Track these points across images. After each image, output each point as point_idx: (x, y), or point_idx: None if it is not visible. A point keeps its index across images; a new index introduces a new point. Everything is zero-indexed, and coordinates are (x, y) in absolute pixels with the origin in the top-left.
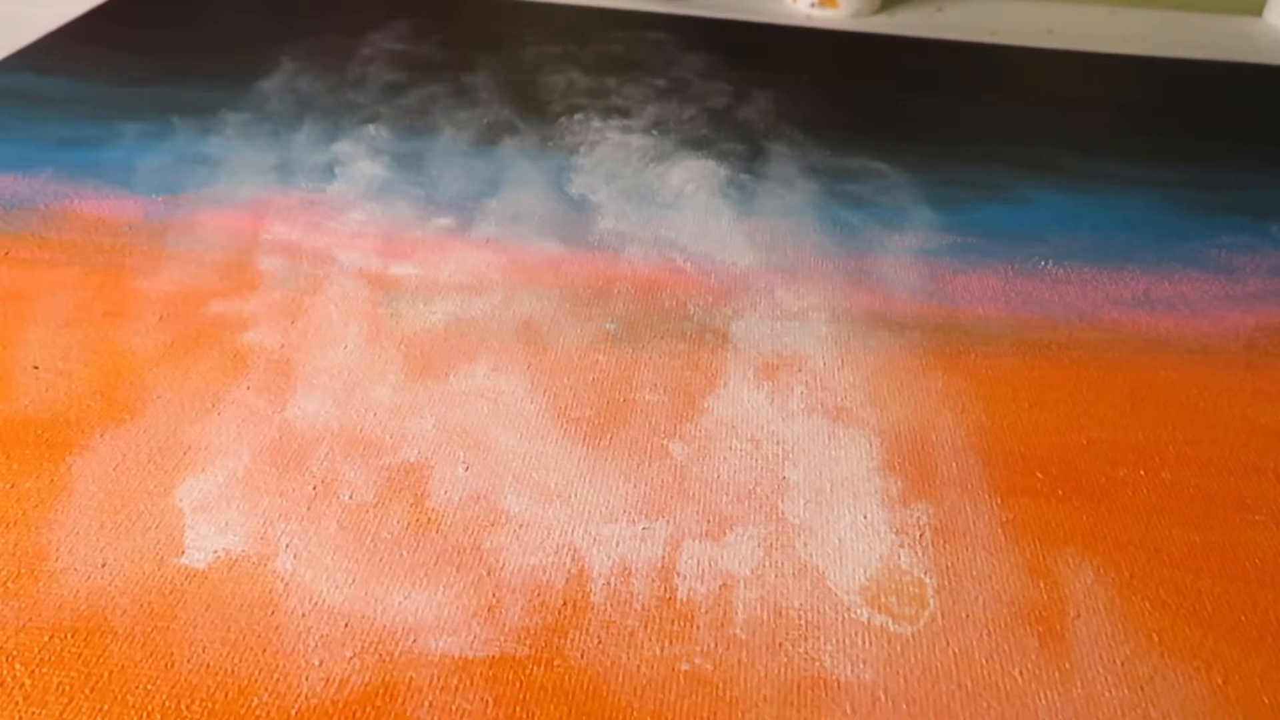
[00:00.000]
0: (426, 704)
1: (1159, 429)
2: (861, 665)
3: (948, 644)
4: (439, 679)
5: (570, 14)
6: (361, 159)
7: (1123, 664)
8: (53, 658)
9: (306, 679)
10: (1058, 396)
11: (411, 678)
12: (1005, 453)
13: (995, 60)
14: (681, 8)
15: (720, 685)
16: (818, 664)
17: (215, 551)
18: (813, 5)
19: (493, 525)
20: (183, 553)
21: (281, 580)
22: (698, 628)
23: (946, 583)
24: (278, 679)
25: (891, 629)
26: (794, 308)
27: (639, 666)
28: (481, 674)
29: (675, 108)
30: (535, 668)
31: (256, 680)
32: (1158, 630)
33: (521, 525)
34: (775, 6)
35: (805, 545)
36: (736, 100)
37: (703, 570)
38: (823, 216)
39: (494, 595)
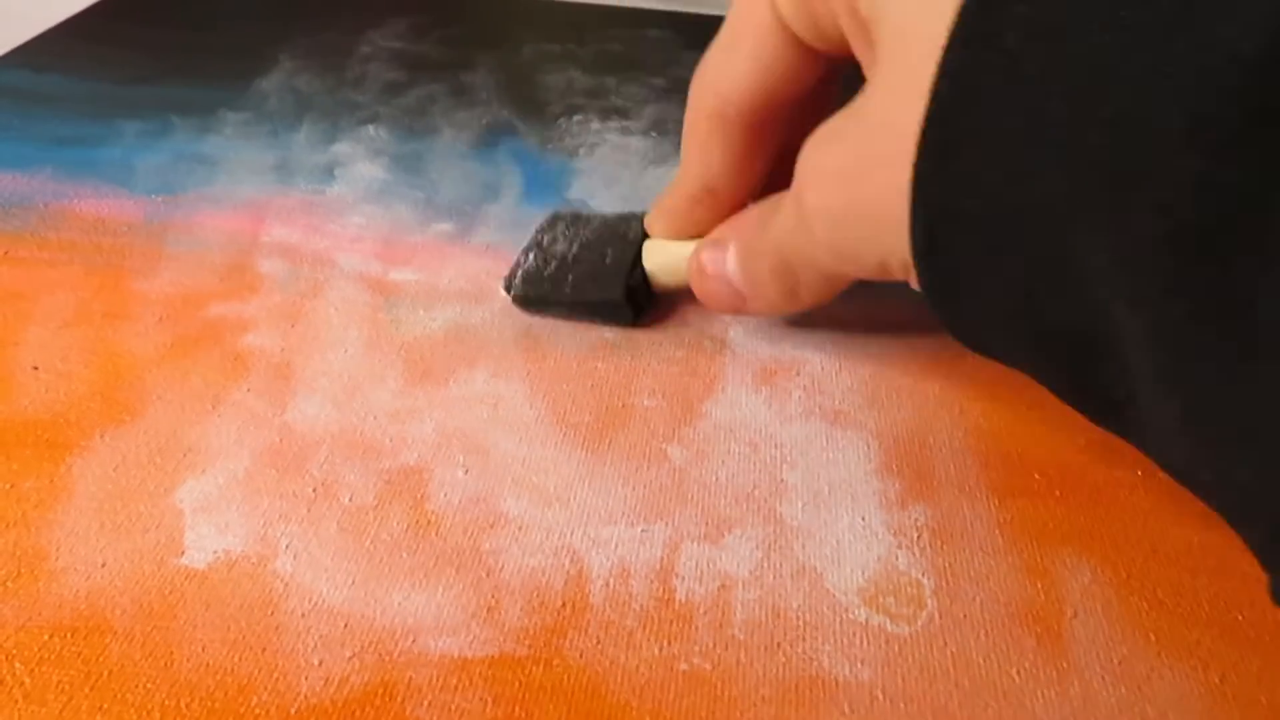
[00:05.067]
0: (426, 703)
1: None
2: (859, 665)
3: (945, 644)
4: (438, 679)
5: (569, 11)
6: (361, 160)
7: (1120, 663)
8: (52, 656)
9: (306, 678)
10: (1055, 398)
11: (411, 677)
12: (1003, 454)
13: None
14: (681, 5)
15: (719, 685)
16: (816, 664)
17: (215, 552)
18: None
19: (492, 527)
20: (183, 553)
21: (281, 581)
22: (696, 628)
23: (944, 583)
24: (277, 678)
25: (889, 629)
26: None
27: (638, 666)
28: (481, 674)
29: (675, 108)
30: (534, 668)
31: (256, 679)
32: (1155, 629)
33: (521, 527)
34: None
35: (803, 547)
36: None
37: (701, 572)
38: None
39: (493, 596)
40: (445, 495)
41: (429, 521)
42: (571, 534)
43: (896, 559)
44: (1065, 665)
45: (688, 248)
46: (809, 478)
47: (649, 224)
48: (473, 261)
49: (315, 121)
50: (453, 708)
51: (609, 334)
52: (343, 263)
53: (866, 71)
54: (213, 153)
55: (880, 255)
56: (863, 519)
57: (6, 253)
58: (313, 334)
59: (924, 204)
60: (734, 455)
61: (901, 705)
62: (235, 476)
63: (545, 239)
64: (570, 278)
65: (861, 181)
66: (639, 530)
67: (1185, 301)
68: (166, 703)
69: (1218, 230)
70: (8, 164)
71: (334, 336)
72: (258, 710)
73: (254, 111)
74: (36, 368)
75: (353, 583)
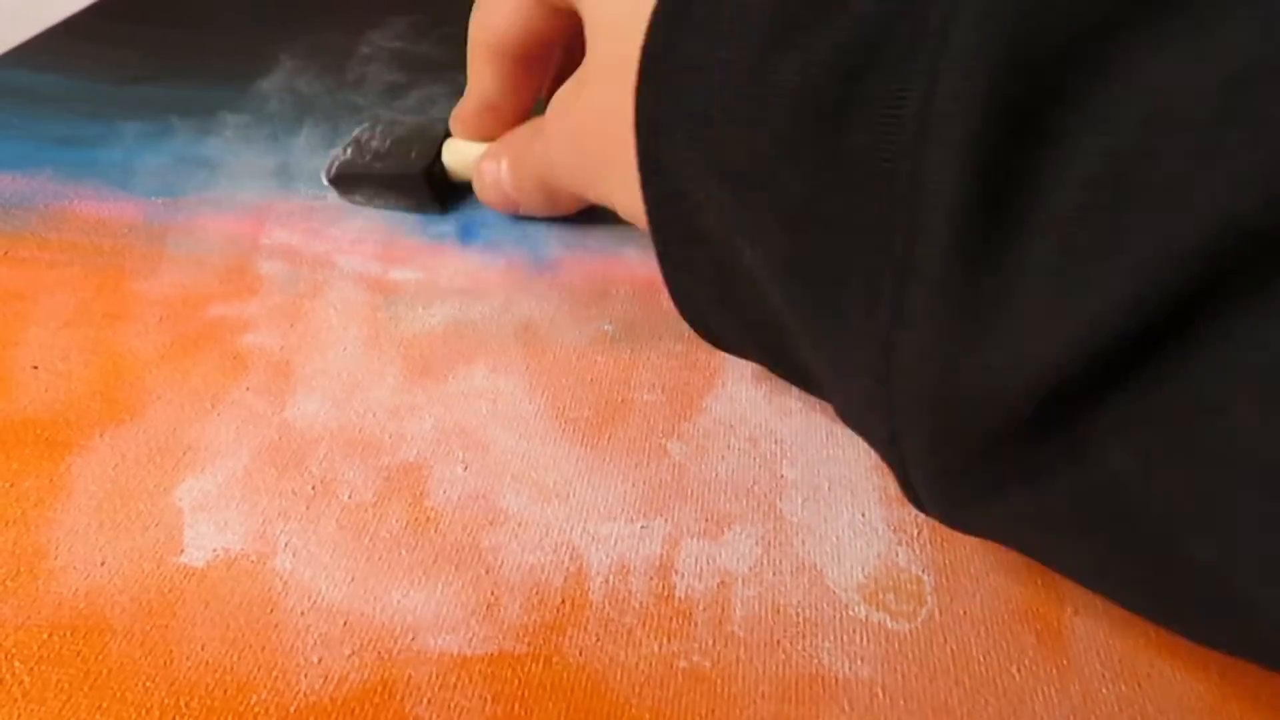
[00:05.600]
0: (425, 701)
1: None
2: (859, 662)
3: (945, 641)
4: (438, 676)
5: None
6: None
7: (1120, 660)
8: (52, 655)
9: (305, 676)
10: None
11: (410, 675)
12: None
13: None
14: None
15: (718, 682)
16: (816, 661)
17: (214, 550)
18: None
19: (491, 524)
20: (182, 551)
21: (280, 579)
22: (696, 625)
23: (944, 580)
24: (276, 676)
25: (889, 626)
26: None
27: (637, 664)
28: (480, 671)
29: None
30: (534, 665)
31: (255, 677)
32: (1155, 627)
33: (520, 524)
34: None
35: (803, 543)
36: None
37: (701, 568)
38: None
39: (492, 593)
40: (444, 492)
41: (428, 518)
42: (571, 530)
43: (897, 555)
44: (1065, 662)
45: (478, 149)
46: (809, 473)
47: (451, 128)
48: (472, 258)
49: (316, 124)
50: (452, 705)
51: (609, 327)
52: (343, 264)
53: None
54: (213, 156)
55: (607, 199)
56: (863, 515)
57: (7, 253)
58: (312, 333)
59: (648, 205)
60: (734, 450)
61: (901, 702)
62: (234, 475)
63: (363, 137)
64: (379, 165)
65: (584, 149)
66: (639, 526)
67: (797, 283)
68: (166, 701)
69: (795, 224)
70: (8, 164)
71: (333, 335)
72: (257, 708)
73: (254, 114)
74: (36, 367)
75: (352, 580)
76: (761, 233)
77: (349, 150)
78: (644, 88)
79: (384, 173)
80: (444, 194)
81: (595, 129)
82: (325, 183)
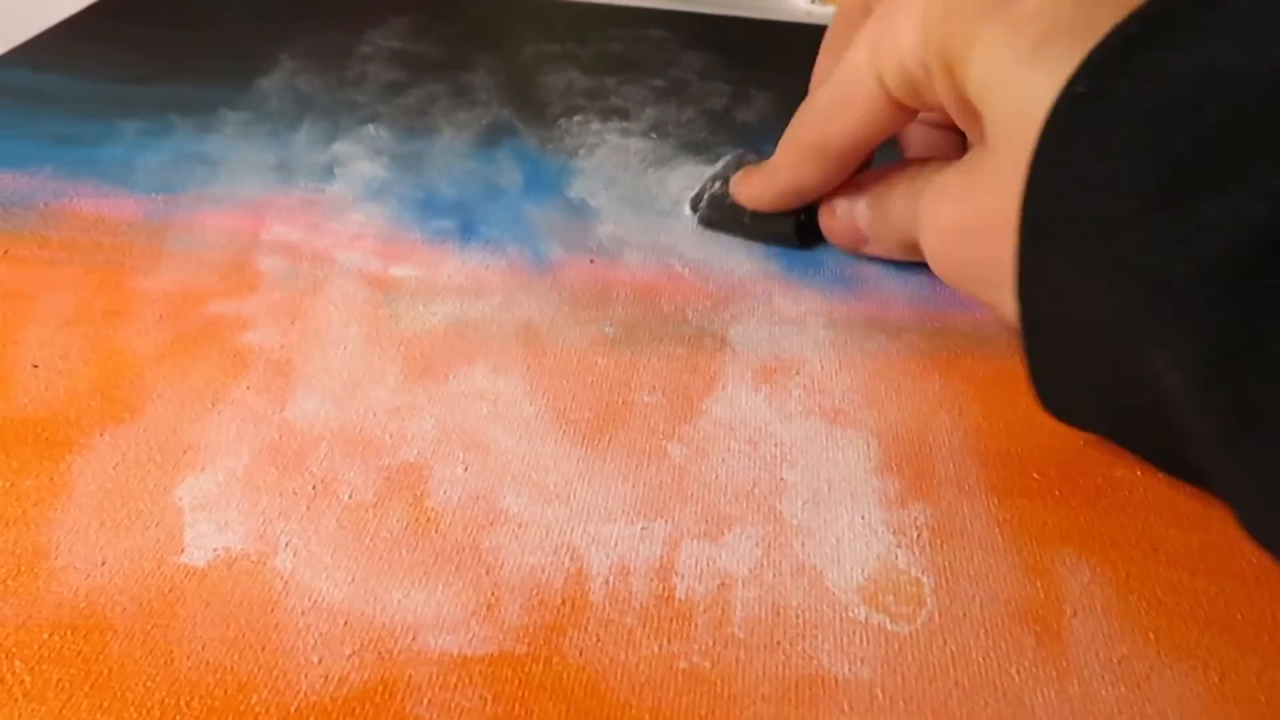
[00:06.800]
0: (425, 701)
1: None
2: (859, 663)
3: (945, 642)
4: (438, 676)
5: (569, 10)
6: (361, 159)
7: (1119, 662)
8: (52, 655)
9: (306, 676)
10: None
11: (410, 675)
12: (1002, 454)
13: None
14: (681, 4)
15: (718, 683)
16: (815, 662)
17: (215, 550)
18: (812, 1)
19: (492, 525)
20: (182, 551)
21: (281, 578)
22: (696, 626)
23: (944, 582)
24: (277, 676)
25: (889, 628)
26: (791, 313)
27: (637, 664)
28: (480, 671)
29: (673, 110)
30: (534, 665)
31: (256, 677)
32: (1154, 629)
33: (520, 525)
34: (774, 2)
35: (803, 545)
36: (735, 101)
37: (701, 569)
38: None
39: (493, 594)
40: (445, 492)
41: (429, 519)
42: (571, 531)
43: (896, 557)
44: (1065, 664)
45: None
46: (809, 476)
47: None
48: (472, 257)
49: (315, 121)
50: (452, 706)
51: (609, 329)
52: (343, 260)
53: (971, 138)
54: (213, 152)
55: (980, 298)
56: (862, 517)
57: (7, 251)
58: (312, 331)
59: (1025, 306)
60: (734, 453)
61: (901, 704)
62: (235, 474)
63: (730, 172)
64: (747, 210)
65: (970, 245)
66: (639, 528)
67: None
68: (166, 701)
69: (1226, 355)
70: (8, 163)
71: (334, 333)
72: (257, 708)
73: (254, 111)
74: (37, 366)
75: (352, 580)
76: (1182, 366)
77: (717, 184)
78: (1031, 200)
79: (754, 230)
80: (812, 235)
81: (987, 237)
82: (689, 212)
